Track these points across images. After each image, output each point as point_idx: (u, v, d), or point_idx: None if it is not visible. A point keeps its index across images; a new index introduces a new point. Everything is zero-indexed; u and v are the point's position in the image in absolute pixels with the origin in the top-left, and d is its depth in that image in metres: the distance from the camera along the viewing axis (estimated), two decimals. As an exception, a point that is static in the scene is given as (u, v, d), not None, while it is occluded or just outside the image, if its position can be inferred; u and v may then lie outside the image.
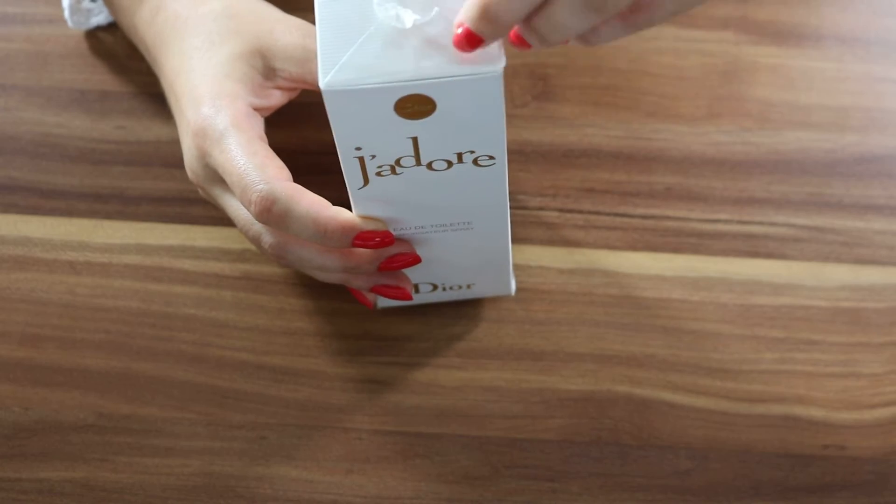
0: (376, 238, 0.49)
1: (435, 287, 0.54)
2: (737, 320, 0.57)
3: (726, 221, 0.60)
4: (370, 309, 0.56)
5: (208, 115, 0.50)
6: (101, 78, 0.63)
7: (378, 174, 0.46)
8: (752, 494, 0.53)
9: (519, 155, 0.61)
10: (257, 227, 0.51)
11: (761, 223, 0.60)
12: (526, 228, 0.59)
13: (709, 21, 0.66)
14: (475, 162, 0.46)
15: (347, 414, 0.54)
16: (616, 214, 0.60)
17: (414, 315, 0.56)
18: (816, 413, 0.55)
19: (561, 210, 0.60)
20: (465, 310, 0.57)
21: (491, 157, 0.45)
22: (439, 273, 0.53)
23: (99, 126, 0.61)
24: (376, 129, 0.43)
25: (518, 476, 0.53)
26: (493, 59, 0.42)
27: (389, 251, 0.50)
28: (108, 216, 0.59)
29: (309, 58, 0.53)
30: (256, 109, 0.52)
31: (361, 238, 0.48)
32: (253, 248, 0.58)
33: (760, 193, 0.61)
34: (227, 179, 0.50)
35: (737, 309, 0.57)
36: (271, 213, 0.48)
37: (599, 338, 0.56)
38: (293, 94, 0.55)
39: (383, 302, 0.55)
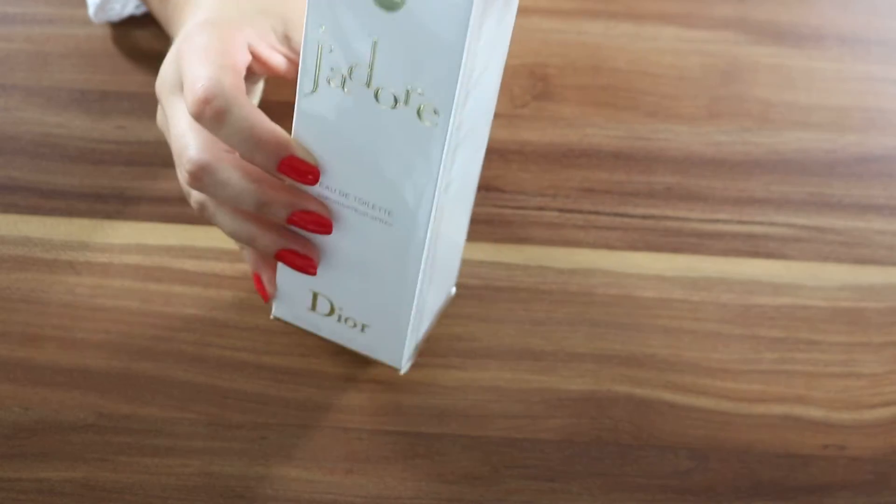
0: (305, 170, 0.47)
1: (332, 310, 0.53)
2: (737, 320, 0.57)
3: (726, 221, 0.60)
4: (265, 302, 0.54)
5: (201, 30, 0.50)
6: (101, 78, 0.63)
7: (328, 81, 0.45)
8: (752, 494, 0.53)
9: (519, 155, 0.61)
10: (187, 139, 0.49)
11: (761, 223, 0.60)
12: (526, 228, 0.59)
13: (709, 21, 0.66)
14: (419, 113, 0.45)
15: (347, 414, 0.54)
16: (616, 214, 0.60)
17: (414, 315, 0.56)
18: (816, 413, 0.55)
19: (561, 210, 0.60)
20: (466, 310, 0.57)
21: (436, 113, 0.44)
22: (341, 284, 0.51)
23: (99, 126, 0.61)
24: (347, 5, 0.43)
25: (518, 476, 0.53)
26: None
27: (306, 204, 0.48)
28: (108, 216, 0.59)
29: None
30: (255, 57, 0.52)
31: (289, 163, 0.47)
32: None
33: (760, 193, 0.61)
34: (185, 77, 0.48)
35: (737, 309, 0.57)
36: (209, 105, 0.47)
37: (599, 338, 0.56)
38: (294, 73, 0.55)
39: (278, 310, 0.54)
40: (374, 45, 0.44)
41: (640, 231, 0.59)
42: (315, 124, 0.47)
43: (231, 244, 0.58)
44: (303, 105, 0.46)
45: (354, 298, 0.52)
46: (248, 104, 0.47)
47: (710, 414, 0.55)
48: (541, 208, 0.60)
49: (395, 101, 0.45)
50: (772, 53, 0.65)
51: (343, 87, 0.45)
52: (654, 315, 0.57)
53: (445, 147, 0.45)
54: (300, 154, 0.47)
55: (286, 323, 0.54)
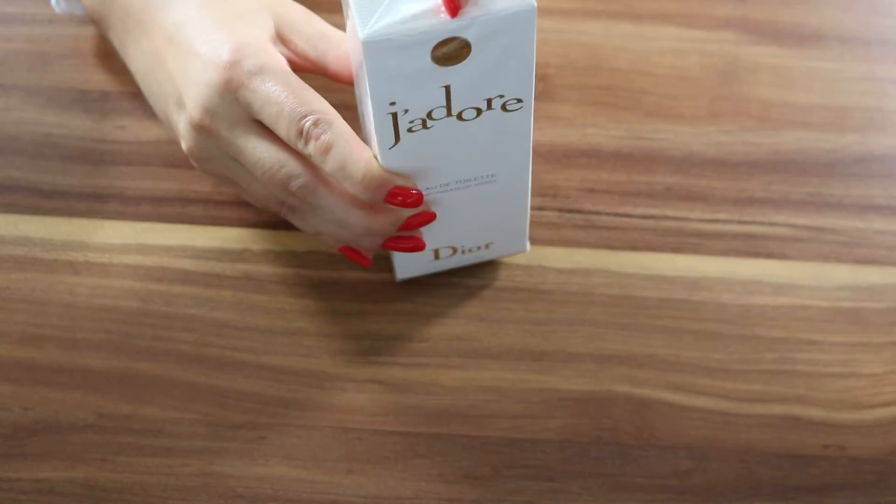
0: (407, 196, 0.49)
1: (455, 250, 0.55)
2: (737, 320, 0.57)
3: (726, 221, 0.60)
4: (367, 267, 0.55)
5: (242, 55, 0.49)
6: (101, 78, 0.63)
7: (409, 130, 0.47)
8: (752, 494, 0.53)
9: (519, 155, 0.61)
10: (288, 169, 0.50)
11: (761, 223, 0.60)
12: (526, 228, 0.59)
13: (709, 21, 0.66)
14: (503, 107, 0.47)
15: (347, 414, 0.54)
16: (616, 214, 0.60)
17: (414, 315, 0.56)
18: (816, 413, 0.55)
19: (561, 210, 0.60)
20: (465, 310, 0.57)
21: (519, 101, 0.46)
22: (459, 234, 0.54)
23: (99, 126, 0.61)
24: (412, 80, 0.44)
25: (518, 476, 0.53)
26: None
27: (408, 211, 0.50)
28: (108, 216, 0.59)
29: (318, 37, 0.53)
30: None
31: (393, 195, 0.48)
32: (254, 247, 0.58)
33: (760, 193, 0.61)
34: (270, 108, 0.49)
35: (737, 309, 0.57)
36: (320, 140, 0.48)
37: (599, 338, 0.56)
38: (295, 69, 0.54)
39: (402, 273, 0.56)
40: (448, 88, 0.45)
41: (640, 231, 0.59)
42: (403, 161, 0.48)
43: (230, 244, 0.58)
44: (387, 154, 0.48)
45: (473, 235, 0.54)
46: (356, 139, 0.48)
47: (710, 414, 0.55)
48: (541, 208, 0.60)
49: (479, 111, 0.47)
50: (772, 53, 0.65)
51: (424, 127, 0.47)
52: (654, 315, 0.57)
53: (532, 116, 0.48)
54: (401, 184, 0.49)
55: (411, 279, 0.57)
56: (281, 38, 0.53)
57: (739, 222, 0.60)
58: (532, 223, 0.59)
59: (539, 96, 0.63)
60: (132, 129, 0.61)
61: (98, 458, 0.53)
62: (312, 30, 0.53)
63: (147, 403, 0.54)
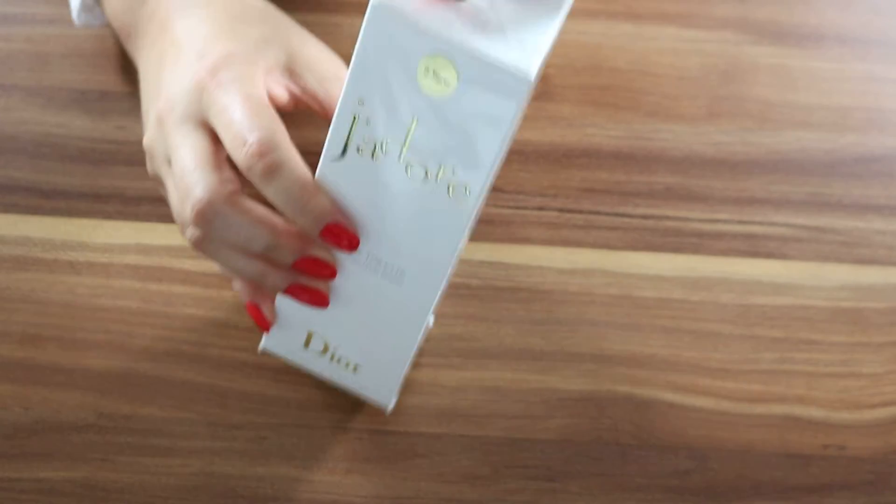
0: (346, 238, 0.47)
1: (326, 349, 0.52)
2: (737, 320, 0.57)
3: (726, 221, 0.60)
4: (266, 332, 0.52)
5: (228, 63, 0.49)
6: (101, 78, 0.63)
7: (358, 150, 0.45)
8: (752, 494, 0.53)
9: (519, 155, 0.61)
10: (195, 176, 0.48)
11: (761, 223, 0.60)
12: (526, 228, 0.59)
13: (709, 21, 0.66)
14: (448, 189, 0.45)
15: (347, 414, 0.54)
16: (616, 214, 0.60)
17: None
18: (816, 413, 0.55)
19: (561, 210, 0.60)
20: (465, 310, 0.57)
21: (466, 191, 0.44)
22: (340, 327, 0.51)
23: (99, 126, 0.61)
24: (391, 84, 0.43)
25: (518, 476, 0.53)
26: (529, 67, 0.41)
27: (313, 251, 0.48)
28: (108, 216, 0.59)
29: (330, 79, 0.52)
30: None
31: (332, 230, 0.46)
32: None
33: (760, 193, 0.61)
34: (223, 116, 0.47)
35: (737, 309, 0.57)
36: (264, 157, 0.46)
37: (599, 338, 0.56)
38: (291, 107, 0.54)
39: (268, 343, 0.53)
40: (413, 123, 0.43)
41: (640, 231, 0.59)
42: (337, 186, 0.46)
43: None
44: (327, 168, 0.46)
45: (351, 341, 0.51)
46: (300, 162, 0.47)
47: (710, 414, 0.55)
48: (541, 208, 0.60)
49: (426, 174, 0.44)
50: (772, 53, 0.65)
51: (372, 157, 0.45)
52: (654, 315, 0.57)
53: (470, 220, 0.45)
54: (344, 222, 0.46)
55: (274, 356, 0.54)
56: (291, 73, 0.52)
57: (739, 222, 0.60)
58: (532, 223, 0.59)
59: (539, 96, 0.63)
60: (132, 129, 0.61)
61: (98, 458, 0.53)
62: (326, 72, 0.52)
63: (147, 403, 0.54)
